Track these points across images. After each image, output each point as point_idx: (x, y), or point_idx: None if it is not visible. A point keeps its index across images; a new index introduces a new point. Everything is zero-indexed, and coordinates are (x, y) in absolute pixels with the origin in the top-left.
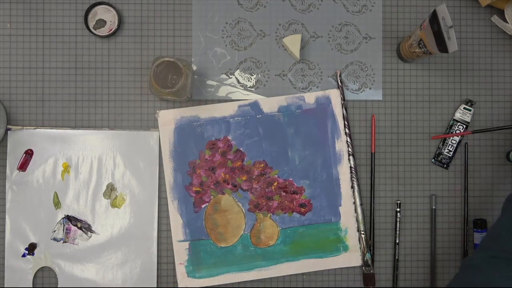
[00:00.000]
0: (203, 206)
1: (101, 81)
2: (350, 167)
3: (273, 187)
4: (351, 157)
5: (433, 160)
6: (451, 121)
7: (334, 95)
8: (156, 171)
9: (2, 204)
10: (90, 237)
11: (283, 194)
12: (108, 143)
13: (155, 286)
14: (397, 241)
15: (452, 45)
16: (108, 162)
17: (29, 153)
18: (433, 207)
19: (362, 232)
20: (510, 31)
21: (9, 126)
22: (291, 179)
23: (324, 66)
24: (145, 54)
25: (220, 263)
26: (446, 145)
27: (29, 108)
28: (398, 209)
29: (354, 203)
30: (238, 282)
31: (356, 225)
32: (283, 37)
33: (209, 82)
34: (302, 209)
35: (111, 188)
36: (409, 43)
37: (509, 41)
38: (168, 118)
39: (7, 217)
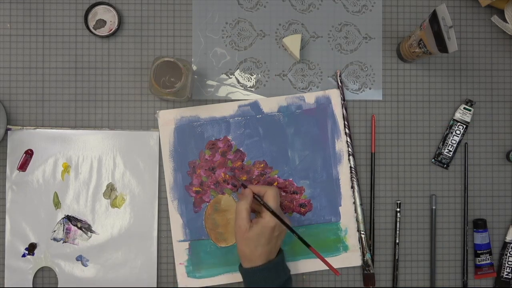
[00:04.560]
0: (203, 206)
1: (101, 81)
2: (350, 167)
3: None
4: (351, 157)
5: (433, 160)
6: (451, 121)
7: (334, 95)
8: (156, 171)
9: (2, 204)
10: (90, 237)
11: (283, 194)
12: (108, 143)
13: (155, 286)
14: (397, 241)
15: (452, 45)
16: (108, 162)
17: (29, 153)
18: (433, 207)
19: (362, 232)
20: (510, 31)
21: (9, 126)
22: (291, 179)
23: (324, 66)
24: (145, 54)
25: (220, 263)
26: (446, 145)
27: (29, 108)
28: (398, 209)
29: (354, 203)
30: (238, 282)
31: (356, 225)
32: (283, 37)
33: (209, 82)
34: (302, 209)
35: (111, 188)
36: (409, 43)
37: (509, 41)
38: (168, 118)
39: (7, 217)
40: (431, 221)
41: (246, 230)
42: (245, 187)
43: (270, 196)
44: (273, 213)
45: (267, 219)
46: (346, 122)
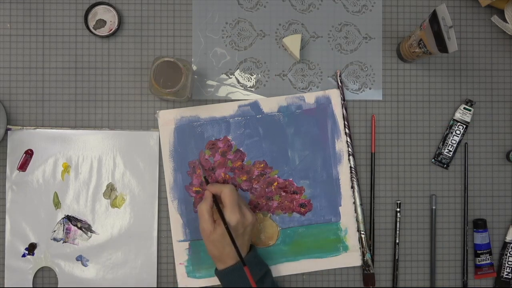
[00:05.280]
0: None
1: (101, 81)
2: (350, 167)
3: (273, 187)
4: (351, 157)
5: (433, 160)
6: (451, 121)
7: (334, 95)
8: (156, 171)
9: (2, 204)
10: (90, 237)
11: (283, 194)
12: (108, 143)
13: (155, 286)
14: (397, 241)
15: (452, 45)
16: (108, 162)
17: (29, 153)
18: (433, 207)
19: (362, 232)
20: (510, 31)
21: (9, 126)
22: (291, 179)
23: (324, 66)
24: (145, 54)
25: None
26: (446, 145)
27: (29, 108)
28: (398, 209)
29: (354, 203)
30: None
31: (356, 225)
32: (283, 37)
33: (209, 82)
34: (302, 209)
35: (111, 188)
36: (409, 43)
37: (509, 41)
38: (168, 118)
39: (7, 217)
40: (431, 221)
41: (211, 232)
42: (207, 182)
43: (226, 194)
44: (222, 218)
45: (227, 217)
46: (346, 122)
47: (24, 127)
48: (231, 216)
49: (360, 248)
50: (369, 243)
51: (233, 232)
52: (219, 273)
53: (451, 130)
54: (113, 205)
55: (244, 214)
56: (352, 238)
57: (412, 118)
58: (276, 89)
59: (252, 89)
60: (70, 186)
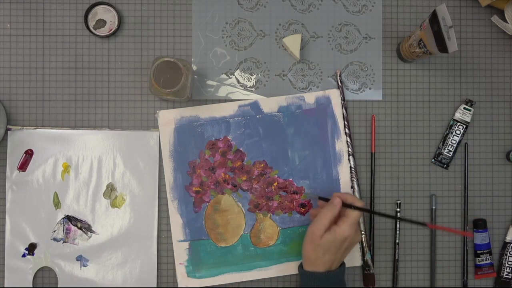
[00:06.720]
0: (203, 206)
1: (101, 81)
2: (350, 167)
3: (273, 187)
4: (351, 157)
5: (433, 160)
6: (451, 121)
7: (334, 95)
8: (156, 171)
9: (2, 204)
10: (90, 237)
11: (283, 194)
12: (108, 143)
13: (155, 286)
14: (397, 241)
15: (452, 45)
16: (108, 162)
17: (29, 153)
18: (433, 207)
19: (362, 232)
20: (510, 31)
21: (9, 126)
22: (291, 179)
23: (324, 66)
24: (145, 54)
25: (220, 263)
26: (446, 145)
27: (29, 108)
28: (398, 209)
29: None
30: (238, 282)
31: None
32: (283, 37)
33: (209, 82)
34: (302, 209)
35: (111, 188)
36: (409, 43)
37: (509, 41)
38: (168, 118)
39: (7, 217)
40: (431, 221)
41: (320, 236)
42: (324, 199)
43: (359, 205)
44: (361, 209)
45: (343, 228)
46: (346, 122)
47: (24, 127)
48: (349, 228)
49: (360, 248)
50: (369, 243)
51: (338, 243)
52: (303, 273)
53: (451, 130)
54: (113, 205)
55: (357, 232)
56: None
57: (412, 118)
58: (276, 89)
59: (252, 89)
60: (70, 186)
